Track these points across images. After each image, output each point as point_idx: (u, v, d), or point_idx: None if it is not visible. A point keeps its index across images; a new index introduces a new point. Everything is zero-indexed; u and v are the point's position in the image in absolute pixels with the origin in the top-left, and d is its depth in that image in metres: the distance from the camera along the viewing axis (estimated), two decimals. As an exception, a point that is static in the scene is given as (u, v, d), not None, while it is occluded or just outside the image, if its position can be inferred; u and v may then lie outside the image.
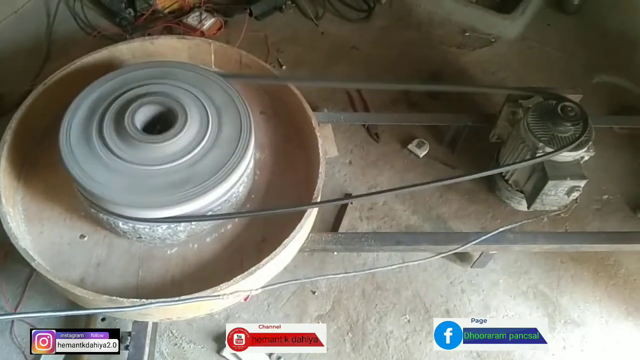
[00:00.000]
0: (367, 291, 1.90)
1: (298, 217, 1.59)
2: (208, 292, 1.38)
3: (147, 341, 1.55)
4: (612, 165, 2.29)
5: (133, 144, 1.52)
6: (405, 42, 2.63)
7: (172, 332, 1.75)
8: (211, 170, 1.53)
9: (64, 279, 1.47)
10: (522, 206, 2.06)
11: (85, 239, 1.64)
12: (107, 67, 1.87)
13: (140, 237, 1.61)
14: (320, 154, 1.74)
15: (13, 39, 2.33)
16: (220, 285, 1.41)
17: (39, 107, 1.76)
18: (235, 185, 1.61)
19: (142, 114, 1.60)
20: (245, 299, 1.32)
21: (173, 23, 2.44)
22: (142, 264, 1.61)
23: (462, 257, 1.99)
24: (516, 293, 1.95)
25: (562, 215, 1.98)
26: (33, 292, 1.78)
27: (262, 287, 1.35)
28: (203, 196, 1.49)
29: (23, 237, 1.58)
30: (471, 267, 1.97)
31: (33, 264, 1.45)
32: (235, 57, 1.99)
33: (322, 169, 1.71)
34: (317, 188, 1.66)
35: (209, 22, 2.46)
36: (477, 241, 1.73)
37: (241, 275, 1.45)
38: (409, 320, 1.86)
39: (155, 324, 1.68)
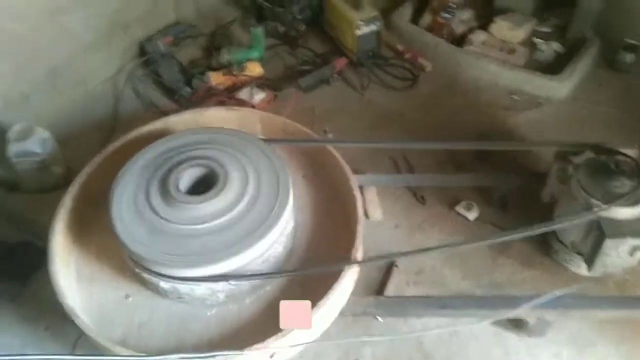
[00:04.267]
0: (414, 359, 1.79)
1: (335, 279, 1.57)
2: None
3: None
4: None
5: (175, 205, 1.59)
6: (451, 107, 2.64)
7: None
8: (248, 229, 1.56)
9: (105, 337, 1.50)
10: (583, 269, 1.91)
11: (130, 299, 1.69)
12: (161, 137, 1.99)
13: (181, 298, 1.63)
14: (358, 213, 1.73)
15: (83, 118, 2.56)
16: (252, 346, 1.39)
17: (97, 174, 1.89)
18: (273, 245, 1.62)
19: (187, 177, 1.68)
20: (271, 356, 1.28)
21: (226, 98, 2.60)
22: (182, 325, 1.62)
23: (518, 325, 1.84)
24: (582, 367, 1.77)
25: (627, 277, 1.82)
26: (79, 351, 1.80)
27: (288, 346, 1.30)
28: (239, 255, 1.51)
29: (73, 296, 1.65)
30: (528, 336, 1.82)
31: (76, 321, 1.50)
32: (280, 124, 2.08)
33: (359, 227, 1.69)
34: (354, 247, 1.64)
35: (259, 96, 2.59)
36: (529, 304, 1.60)
37: (274, 337, 1.43)
38: (460, 394, 1.72)
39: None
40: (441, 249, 1.80)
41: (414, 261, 2.03)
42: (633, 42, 2.67)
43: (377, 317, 1.85)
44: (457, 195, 2.22)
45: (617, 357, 1.79)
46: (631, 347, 1.80)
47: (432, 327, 1.84)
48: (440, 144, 2.04)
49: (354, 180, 1.84)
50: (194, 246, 1.53)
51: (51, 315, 1.81)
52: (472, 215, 2.15)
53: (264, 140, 1.86)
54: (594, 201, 1.72)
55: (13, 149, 2.11)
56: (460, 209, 2.17)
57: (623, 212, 1.70)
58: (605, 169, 1.73)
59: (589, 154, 1.86)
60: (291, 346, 1.31)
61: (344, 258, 1.64)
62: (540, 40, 2.88)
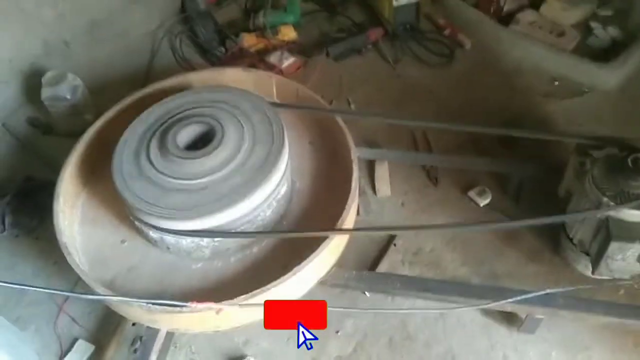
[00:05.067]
0: (395, 340, 1.77)
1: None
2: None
3: (156, 348, 1.60)
4: None
5: (171, 159, 1.63)
6: (486, 88, 2.51)
7: (191, 348, 1.78)
8: (236, 188, 1.58)
9: (96, 278, 1.60)
10: (589, 271, 1.79)
11: (125, 244, 1.76)
12: (179, 92, 2.02)
13: (168, 248, 1.69)
14: (352, 186, 1.70)
15: (120, 69, 2.66)
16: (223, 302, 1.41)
17: (113, 124, 1.96)
18: (261, 207, 1.64)
19: (186, 134, 1.72)
20: (217, 312, 1.31)
21: (256, 60, 2.61)
22: (167, 273, 1.69)
23: (511, 319, 1.77)
24: (570, 371, 1.69)
25: (635, 286, 1.69)
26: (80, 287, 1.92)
27: (236, 304, 1.32)
28: (222, 212, 1.54)
29: (73, 236, 1.76)
30: (518, 331, 1.75)
31: (68, 259, 1.59)
32: (293, 90, 2.06)
33: (350, 200, 1.67)
34: (341, 218, 1.63)
35: (288, 61, 2.58)
36: (515, 299, 1.53)
37: (243, 296, 1.46)
38: (435, 379, 1.69)
39: (170, 336, 1.74)
40: (429, 229, 1.75)
41: (413, 241, 1.99)
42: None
43: (365, 292, 1.85)
44: (473, 180, 2.13)
45: (612, 366, 1.69)
46: (629, 358, 1.69)
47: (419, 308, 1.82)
48: (455, 126, 1.94)
49: (355, 153, 1.81)
50: (183, 200, 1.57)
51: (61, 251, 1.95)
52: (483, 201, 2.06)
53: (271, 104, 1.85)
54: (604, 200, 1.60)
55: (46, 93, 2.25)
56: (472, 194, 2.08)
57: (634, 215, 1.57)
58: (623, 167, 1.59)
59: (611, 150, 1.72)
60: (240, 305, 1.33)
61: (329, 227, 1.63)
62: (598, 24, 2.66)
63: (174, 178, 1.61)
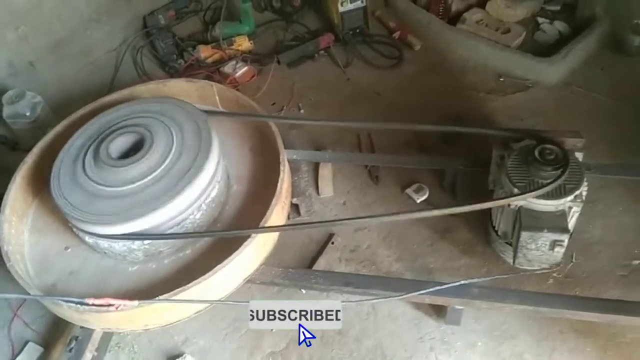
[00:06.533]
0: (327, 334, 1.82)
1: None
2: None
3: (90, 347, 1.68)
4: (653, 227, 1.95)
5: (104, 168, 1.73)
6: (433, 89, 2.56)
7: (133, 347, 1.86)
8: (159, 193, 1.67)
9: (39, 282, 1.72)
10: (517, 261, 1.84)
11: (69, 250, 1.86)
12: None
13: (105, 253, 1.78)
14: (277, 188, 1.78)
15: (85, 86, 2.78)
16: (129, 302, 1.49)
17: (61, 138, 2.07)
18: (190, 209, 1.72)
19: (120, 143, 1.82)
20: (117, 308, 1.38)
21: (212, 71, 2.71)
22: (105, 276, 1.78)
23: (440, 312, 1.82)
24: None
25: (555, 275, 1.72)
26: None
27: (134, 303, 1.39)
28: (148, 216, 1.63)
29: (21, 244, 1.86)
30: (446, 323, 1.79)
31: (8, 265, 1.69)
32: (233, 97, 2.15)
33: (274, 200, 1.74)
34: (264, 218, 1.70)
35: (242, 70, 2.67)
36: (428, 291, 1.59)
37: (165, 295, 1.54)
38: (362, 371, 1.74)
39: (109, 335, 1.82)
40: (352, 221, 1.82)
41: (351, 239, 2.05)
42: (641, 23, 2.43)
43: (302, 289, 1.91)
44: (412, 178, 2.19)
45: (536, 353, 1.72)
46: (554, 345, 1.73)
47: (353, 307, 1.87)
48: (386, 125, 2.01)
49: (284, 156, 1.89)
50: (113, 206, 1.66)
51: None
52: (420, 197, 2.12)
53: (207, 112, 1.94)
54: (515, 190, 1.64)
55: (7, 111, 2.37)
56: (410, 191, 2.14)
57: (545, 205, 1.61)
58: (534, 158, 1.64)
59: (528, 142, 1.76)
60: (139, 303, 1.41)
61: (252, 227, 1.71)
62: (545, 20, 2.70)
63: (105, 185, 1.70)
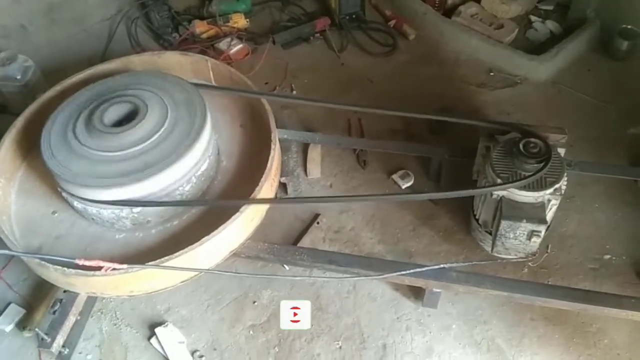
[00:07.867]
0: (307, 311, 1.88)
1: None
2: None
3: (74, 310, 1.71)
4: (625, 223, 2.03)
5: (96, 134, 1.73)
6: (424, 78, 2.61)
7: (116, 314, 1.89)
8: (150, 162, 1.68)
9: (25, 244, 1.73)
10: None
11: (56, 215, 1.87)
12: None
13: (93, 219, 1.80)
14: (267, 165, 1.81)
15: (77, 52, 2.76)
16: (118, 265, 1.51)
17: (53, 103, 2.06)
18: (179, 181, 1.74)
19: (113, 111, 1.82)
20: (106, 270, 1.41)
21: (206, 46, 2.71)
22: (91, 243, 1.79)
23: (418, 294, 1.88)
24: (468, 342, 1.79)
25: (530, 264, 1.79)
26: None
27: (124, 267, 1.42)
28: (137, 184, 1.64)
29: (8, 205, 1.87)
30: (423, 305, 1.85)
31: (-8, 223, 1.70)
32: (226, 73, 2.16)
33: (263, 178, 1.77)
34: (253, 193, 1.73)
35: (236, 48, 2.68)
36: (408, 272, 1.64)
37: (152, 262, 1.57)
38: (340, 347, 1.79)
39: (92, 300, 1.85)
40: (338, 200, 1.88)
41: (336, 220, 2.10)
42: (629, 27, 2.49)
43: (284, 265, 1.96)
44: (398, 164, 2.24)
45: (507, 338, 1.80)
46: (525, 331, 1.80)
47: (334, 284, 1.92)
48: (381, 110, 2.03)
49: (276, 133, 1.91)
50: (103, 170, 1.67)
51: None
52: (405, 184, 2.17)
53: (196, 85, 1.95)
54: (498, 181, 1.70)
55: (-3, 72, 2.35)
56: (395, 176, 2.19)
57: (525, 196, 1.67)
58: (518, 151, 1.69)
59: (514, 135, 1.82)
60: (128, 267, 1.43)
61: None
62: (537, 18, 2.75)
63: (97, 150, 1.71)
